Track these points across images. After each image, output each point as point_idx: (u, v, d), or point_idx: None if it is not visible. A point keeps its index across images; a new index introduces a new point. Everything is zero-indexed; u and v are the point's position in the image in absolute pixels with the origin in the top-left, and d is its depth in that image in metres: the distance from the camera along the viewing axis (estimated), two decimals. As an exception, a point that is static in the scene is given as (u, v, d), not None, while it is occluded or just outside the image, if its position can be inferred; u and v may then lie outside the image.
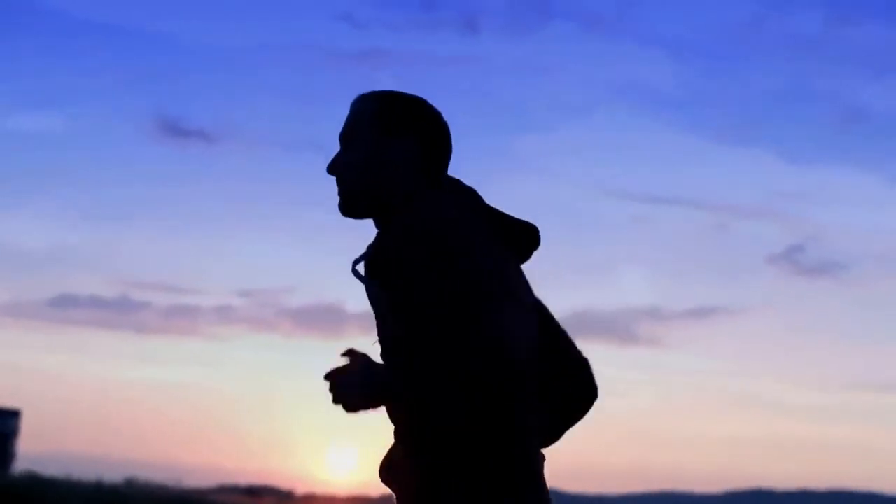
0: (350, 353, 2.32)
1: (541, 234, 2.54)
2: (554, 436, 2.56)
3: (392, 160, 2.49)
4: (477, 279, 2.30)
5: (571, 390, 2.56)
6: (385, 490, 2.51)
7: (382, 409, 2.37)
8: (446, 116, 2.59)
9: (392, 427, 2.44)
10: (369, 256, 2.37)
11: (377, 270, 2.35)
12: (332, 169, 2.54)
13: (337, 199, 2.55)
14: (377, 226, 2.52)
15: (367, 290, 2.38)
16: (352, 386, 2.28)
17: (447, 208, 2.41)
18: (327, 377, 2.30)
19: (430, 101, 2.60)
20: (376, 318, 2.40)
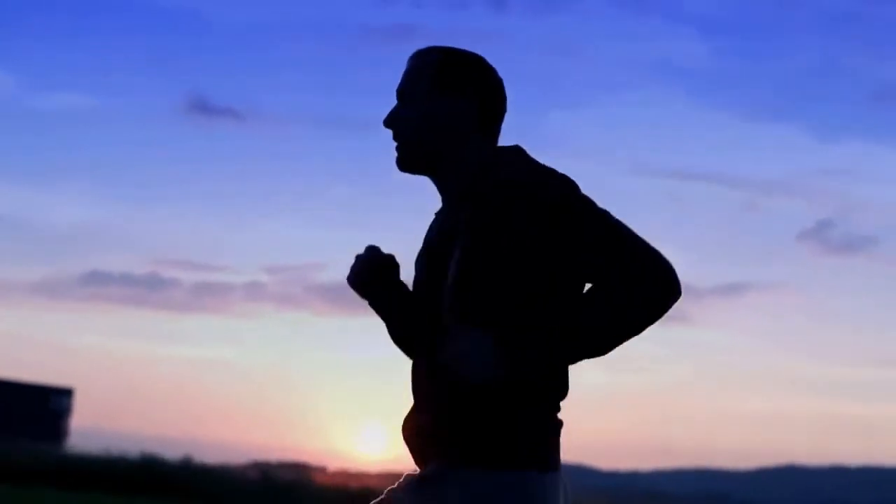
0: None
1: None
2: (613, 339, 2.39)
3: (450, 116, 2.52)
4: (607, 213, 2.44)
5: (640, 283, 2.36)
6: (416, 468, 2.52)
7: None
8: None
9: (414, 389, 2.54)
10: (495, 182, 2.44)
11: (506, 195, 2.41)
12: (389, 122, 2.57)
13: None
14: (435, 182, 2.57)
15: (480, 213, 2.43)
16: (467, 354, 2.35)
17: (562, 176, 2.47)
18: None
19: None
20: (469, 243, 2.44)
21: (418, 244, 2.64)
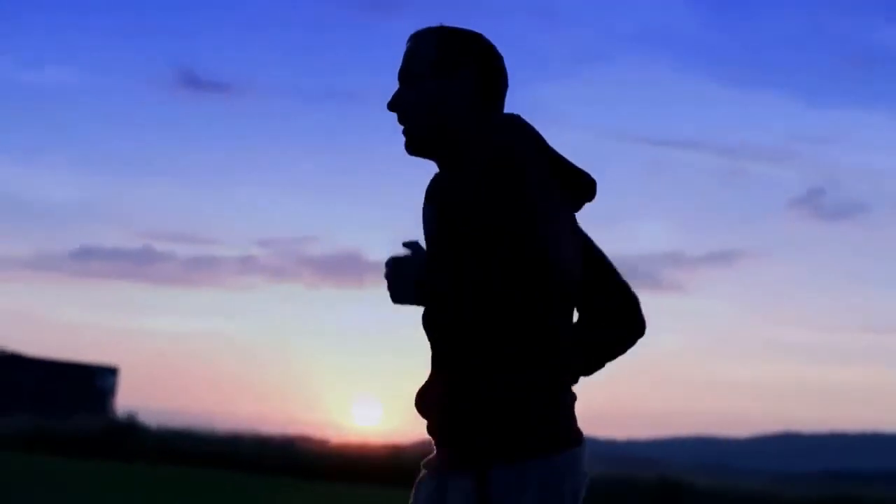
0: (412, 245, 2.41)
1: (597, 188, 2.60)
2: (594, 366, 2.65)
3: (453, 96, 2.52)
4: (532, 204, 2.37)
5: (617, 324, 2.64)
6: (416, 438, 2.58)
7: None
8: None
9: (430, 355, 2.51)
10: (437, 182, 2.43)
11: (440, 193, 2.40)
12: (393, 106, 2.57)
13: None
14: (440, 166, 2.55)
15: (424, 211, 2.43)
16: (407, 277, 2.37)
17: (516, 139, 2.46)
18: (388, 263, 2.41)
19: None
20: (426, 240, 2.46)
21: (411, 214, 2.66)
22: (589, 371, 2.63)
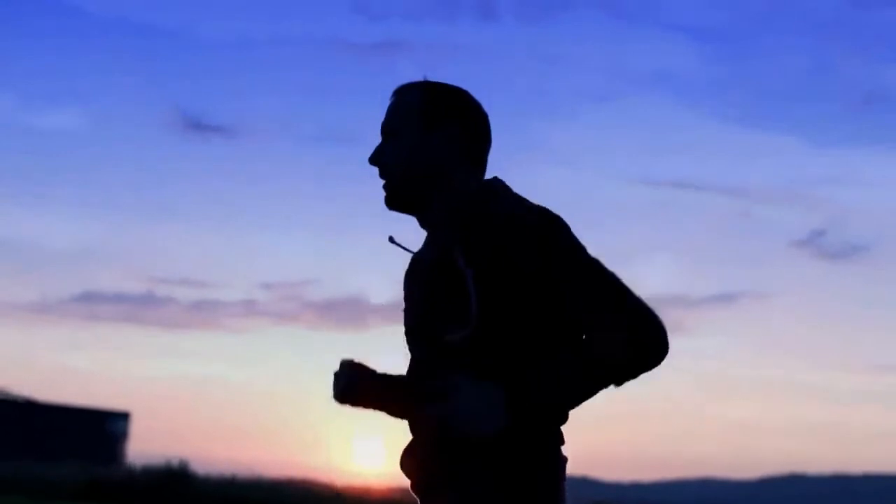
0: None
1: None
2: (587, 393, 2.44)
3: (436, 152, 2.48)
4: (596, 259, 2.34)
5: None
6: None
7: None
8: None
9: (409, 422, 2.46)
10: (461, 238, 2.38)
11: (491, 245, 2.34)
12: (374, 160, 2.53)
13: (377, 193, 2.54)
14: (421, 221, 2.53)
15: (450, 276, 2.37)
16: (478, 412, 2.29)
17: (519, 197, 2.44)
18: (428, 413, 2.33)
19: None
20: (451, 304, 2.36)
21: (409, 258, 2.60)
22: (588, 397, 2.41)
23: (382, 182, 2.52)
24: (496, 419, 2.27)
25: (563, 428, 2.42)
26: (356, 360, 2.37)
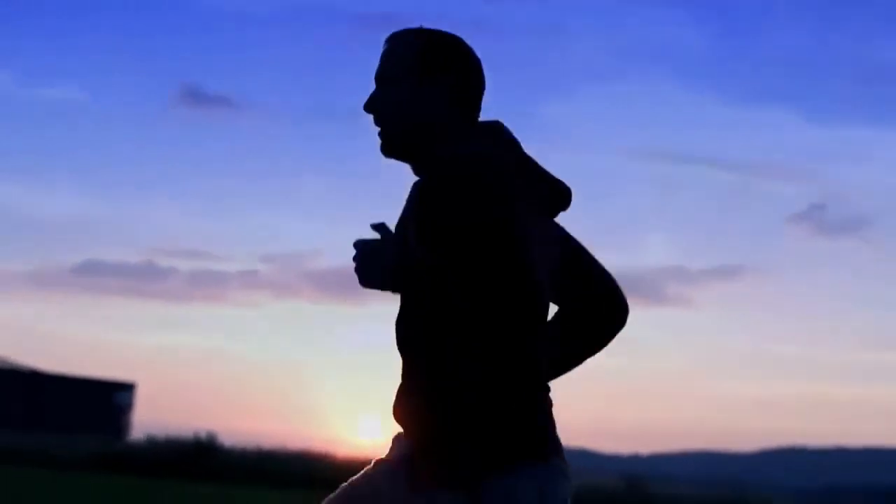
0: (381, 228, 2.39)
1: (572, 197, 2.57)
2: (577, 359, 2.64)
3: (430, 99, 2.50)
4: (505, 216, 2.34)
5: (596, 313, 2.60)
6: None
7: (392, 297, 2.44)
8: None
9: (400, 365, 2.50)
10: (419, 189, 2.40)
11: (421, 204, 2.37)
12: (369, 107, 2.54)
13: (376, 140, 2.56)
14: (415, 169, 2.54)
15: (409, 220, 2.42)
16: (377, 259, 2.36)
17: (485, 148, 2.45)
18: (357, 245, 2.39)
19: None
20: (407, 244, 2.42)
21: None
22: (571, 366, 2.63)
23: (378, 130, 2.54)
24: (380, 271, 2.34)
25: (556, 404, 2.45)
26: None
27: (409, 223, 2.40)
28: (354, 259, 2.38)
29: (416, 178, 2.52)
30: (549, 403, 2.44)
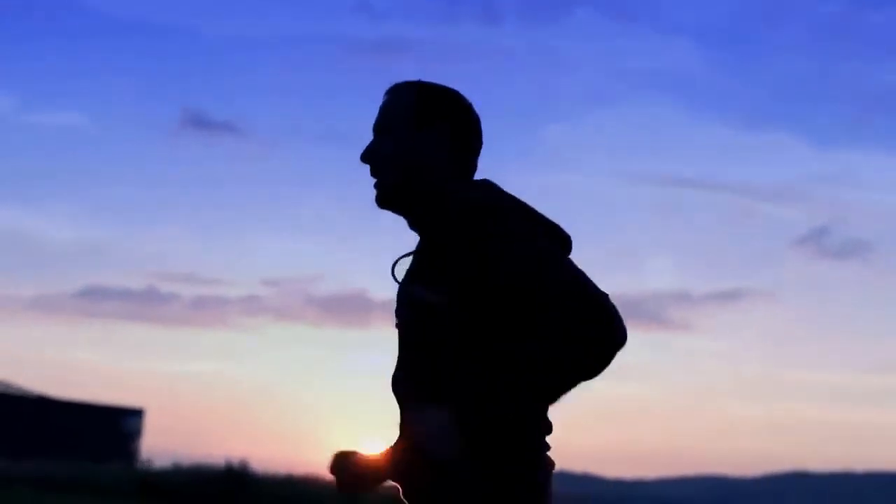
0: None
1: (570, 234, 2.51)
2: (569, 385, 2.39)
3: (427, 151, 2.49)
4: (554, 250, 2.33)
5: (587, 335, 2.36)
6: None
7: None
8: (469, 108, 2.62)
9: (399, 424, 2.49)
10: (437, 234, 2.39)
11: (445, 249, 2.36)
12: (366, 157, 2.54)
13: (371, 190, 2.55)
14: (410, 222, 2.54)
15: (419, 287, 2.41)
16: (432, 437, 2.32)
17: (499, 191, 2.45)
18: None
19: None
20: (421, 315, 2.40)
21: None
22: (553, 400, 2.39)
23: (374, 181, 2.54)
24: (449, 442, 2.29)
25: (555, 428, 2.44)
26: (346, 449, 2.47)
27: (429, 269, 2.40)
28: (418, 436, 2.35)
29: (411, 231, 2.53)
30: (550, 465, 2.43)
